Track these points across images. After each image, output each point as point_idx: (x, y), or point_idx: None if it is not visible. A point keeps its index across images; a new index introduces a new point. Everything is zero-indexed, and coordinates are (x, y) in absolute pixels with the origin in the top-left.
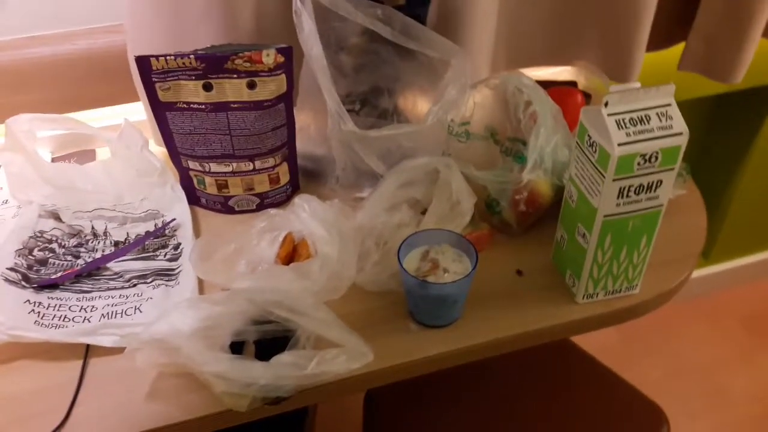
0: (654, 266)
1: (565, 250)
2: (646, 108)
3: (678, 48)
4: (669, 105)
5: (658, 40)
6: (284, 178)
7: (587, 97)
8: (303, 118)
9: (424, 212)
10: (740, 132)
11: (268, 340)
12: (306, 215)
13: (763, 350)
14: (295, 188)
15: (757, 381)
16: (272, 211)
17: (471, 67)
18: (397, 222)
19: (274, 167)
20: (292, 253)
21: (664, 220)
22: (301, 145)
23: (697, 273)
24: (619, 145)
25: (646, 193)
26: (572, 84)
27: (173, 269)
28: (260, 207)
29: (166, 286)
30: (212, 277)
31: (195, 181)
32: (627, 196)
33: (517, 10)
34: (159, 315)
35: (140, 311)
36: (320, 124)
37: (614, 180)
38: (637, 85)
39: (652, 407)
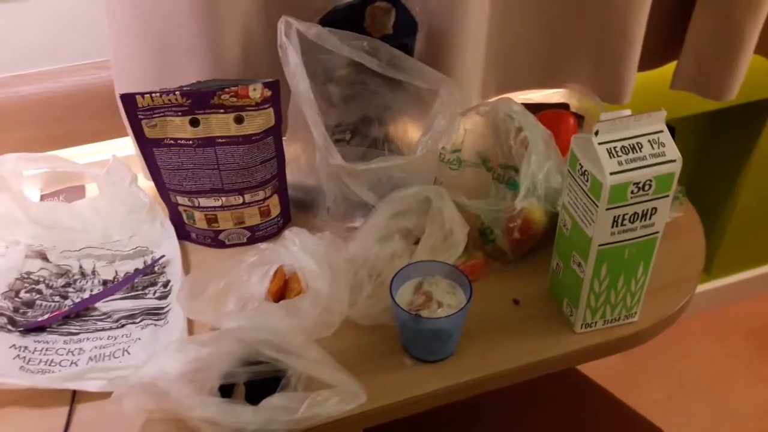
0: (653, 292)
1: (561, 278)
2: (638, 135)
3: (671, 66)
4: (661, 132)
5: (650, 60)
6: (275, 211)
7: (580, 119)
8: (293, 150)
9: (417, 242)
10: (738, 146)
11: (258, 382)
12: (296, 249)
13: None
14: (286, 220)
15: (764, 396)
16: (262, 245)
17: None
18: (389, 253)
19: (264, 200)
20: (283, 288)
21: (662, 243)
22: (292, 176)
23: (699, 288)
24: (611, 173)
25: (641, 220)
26: (564, 106)
27: (162, 308)
28: (251, 240)
29: (155, 325)
30: (201, 317)
31: (184, 216)
32: (622, 224)
33: (506, 35)
34: (147, 358)
35: (128, 353)
36: (310, 155)
37: (608, 209)
38: (628, 112)
39: (653, 430)
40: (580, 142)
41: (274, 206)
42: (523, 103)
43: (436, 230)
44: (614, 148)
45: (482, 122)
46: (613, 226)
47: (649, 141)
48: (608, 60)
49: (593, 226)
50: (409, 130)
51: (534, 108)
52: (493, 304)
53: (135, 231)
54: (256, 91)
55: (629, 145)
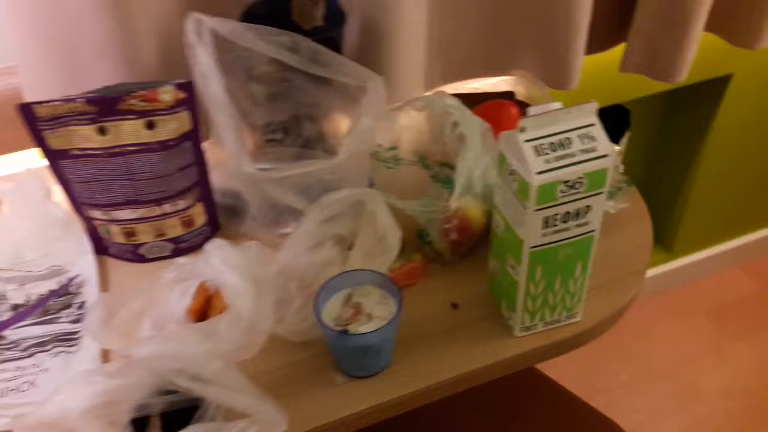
0: (597, 288)
1: (498, 280)
2: (567, 130)
3: (621, 48)
4: (592, 125)
5: (598, 43)
6: (200, 220)
7: (525, 108)
8: (218, 153)
9: (351, 248)
10: (695, 124)
11: (174, 412)
12: (218, 262)
13: (732, 342)
14: (215, 228)
15: (727, 376)
16: (181, 259)
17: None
18: (321, 261)
19: (186, 209)
20: (205, 305)
21: (607, 236)
22: (219, 181)
23: (660, 268)
24: (537, 173)
25: (574, 220)
26: (510, 95)
27: (75, 332)
28: (176, 252)
29: (67, 353)
30: (112, 344)
31: (101, 230)
32: (553, 225)
33: (448, 22)
34: (51, 392)
35: (34, 386)
36: None
37: (536, 210)
38: (558, 105)
39: (607, 425)
40: (507, 140)
41: (199, 215)
42: (468, 93)
43: (369, 235)
44: (541, 145)
45: (419, 117)
46: (544, 227)
47: (578, 136)
48: (553, 46)
49: (524, 227)
50: (343, 127)
51: (479, 97)
52: (431, 310)
53: (49, 249)
54: (167, 94)
55: (557, 141)
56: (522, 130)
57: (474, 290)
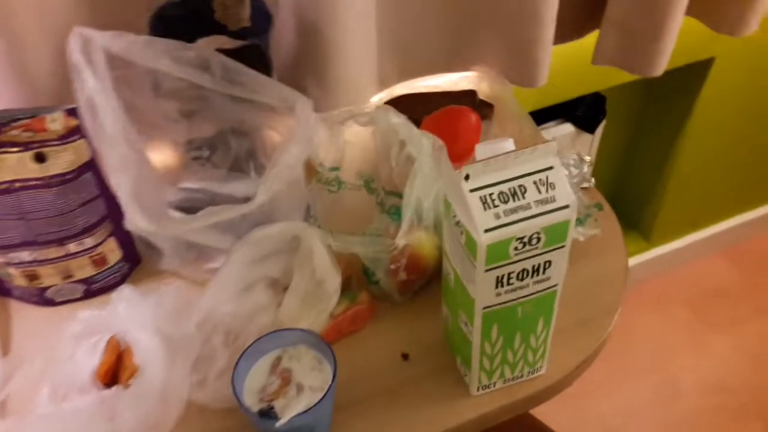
0: (563, 332)
1: (451, 332)
2: (520, 176)
3: (594, 36)
4: (550, 169)
5: (568, 31)
6: (113, 257)
7: (488, 109)
8: None
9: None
10: (675, 110)
11: None
12: (125, 315)
13: (712, 334)
14: (134, 264)
15: (707, 371)
16: (85, 313)
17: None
18: (250, 309)
19: (95, 247)
20: (116, 364)
21: (575, 268)
22: None
23: (639, 258)
24: (486, 231)
25: (532, 276)
26: (471, 94)
27: None
28: (89, 294)
29: None
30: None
31: (0, 272)
32: (508, 284)
33: (401, 15)
34: None
35: None
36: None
37: (487, 270)
38: (509, 144)
39: None
40: (451, 184)
41: (112, 252)
42: (425, 93)
43: (306, 277)
44: (490, 195)
45: (365, 133)
46: (497, 287)
47: (535, 183)
48: (518, 39)
49: (474, 286)
50: (277, 140)
51: (437, 97)
52: (378, 362)
53: None
54: (56, 122)
55: (509, 190)
56: (466, 177)
57: (427, 335)
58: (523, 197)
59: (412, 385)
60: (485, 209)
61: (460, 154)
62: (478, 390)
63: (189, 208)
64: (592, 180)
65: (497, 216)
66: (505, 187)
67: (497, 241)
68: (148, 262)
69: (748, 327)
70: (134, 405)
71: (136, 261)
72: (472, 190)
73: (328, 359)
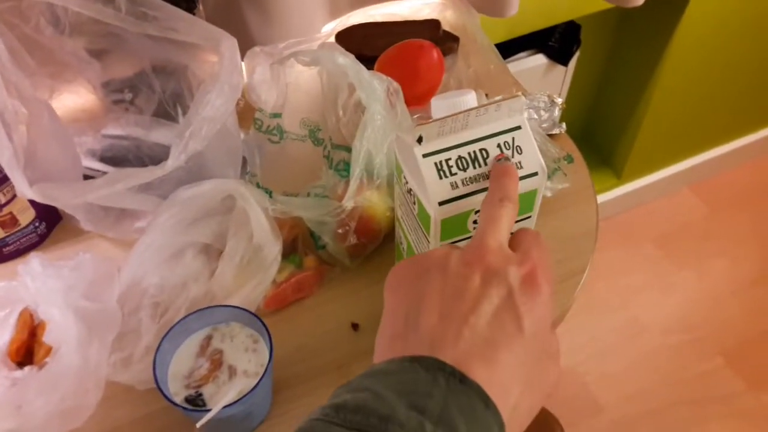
0: None
1: None
2: (482, 138)
3: None
4: (517, 129)
5: None
6: (25, 217)
7: (453, 42)
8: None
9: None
10: (650, 43)
11: None
12: (34, 287)
13: (678, 271)
14: (52, 223)
15: (671, 309)
16: None
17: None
18: (179, 279)
19: (1, 207)
20: (30, 340)
21: (543, 225)
22: None
23: (609, 194)
24: (440, 203)
25: None
26: (435, 24)
27: None
28: (2, 258)
29: None
30: None
31: None
32: None
33: None
34: None
35: None
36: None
37: (442, 244)
38: (470, 96)
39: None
40: (402, 146)
41: (22, 212)
42: (384, 22)
43: (242, 244)
44: (446, 161)
45: (310, 74)
46: None
47: (499, 146)
48: None
49: None
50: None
51: (398, 27)
52: (326, 333)
53: None
54: None
55: (469, 155)
56: (419, 140)
57: (379, 304)
58: (485, 163)
59: (364, 358)
60: (440, 177)
61: (419, 96)
62: None
63: (114, 157)
64: (563, 125)
65: (454, 186)
66: (464, 151)
67: (453, 215)
68: (70, 219)
69: (712, 263)
70: (46, 390)
71: (55, 219)
72: (425, 155)
73: (265, 339)
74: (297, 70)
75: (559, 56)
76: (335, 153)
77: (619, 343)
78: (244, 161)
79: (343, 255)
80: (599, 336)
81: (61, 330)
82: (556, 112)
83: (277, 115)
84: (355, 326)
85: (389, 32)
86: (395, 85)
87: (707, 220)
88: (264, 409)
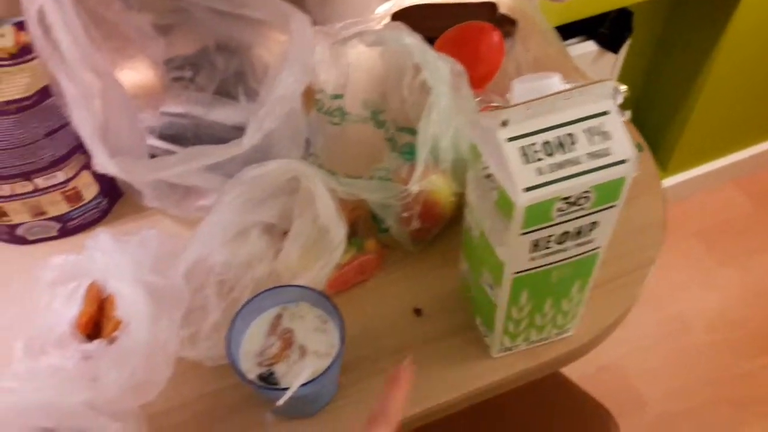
0: (594, 288)
1: (471, 290)
2: (569, 122)
3: None
4: (605, 114)
5: None
6: (89, 192)
7: (510, 26)
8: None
9: (285, 236)
10: (703, 32)
11: None
12: (103, 262)
13: (721, 267)
14: (114, 198)
15: (714, 305)
16: (59, 258)
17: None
18: (244, 258)
19: (67, 182)
20: (97, 315)
21: None
22: None
23: None
24: (526, 190)
25: (574, 239)
26: (491, 7)
27: None
28: (64, 232)
29: None
30: None
31: None
32: (546, 247)
33: None
34: None
35: None
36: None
37: (523, 234)
38: (555, 80)
39: (601, 413)
40: (482, 129)
41: (87, 187)
42: (440, 3)
43: (307, 225)
44: (532, 146)
45: (372, 54)
46: (532, 251)
47: (586, 131)
48: None
49: (505, 249)
50: (270, 61)
51: (453, 9)
52: (389, 316)
53: None
54: (5, 38)
55: (555, 140)
56: (504, 123)
57: (441, 289)
58: (572, 149)
59: (425, 343)
60: (526, 163)
61: (478, 79)
62: (499, 352)
63: (173, 135)
64: (627, 114)
65: (540, 171)
66: (550, 136)
67: (538, 202)
68: (131, 196)
69: (757, 259)
70: (119, 364)
71: (116, 195)
72: (510, 139)
73: (335, 321)
74: (359, 51)
75: (610, 43)
76: (400, 135)
77: (662, 338)
78: (307, 143)
79: (406, 239)
80: (642, 330)
81: (131, 305)
82: (620, 100)
83: (338, 96)
84: (417, 311)
85: (445, 14)
86: (459, 66)
87: (752, 216)
88: (332, 391)
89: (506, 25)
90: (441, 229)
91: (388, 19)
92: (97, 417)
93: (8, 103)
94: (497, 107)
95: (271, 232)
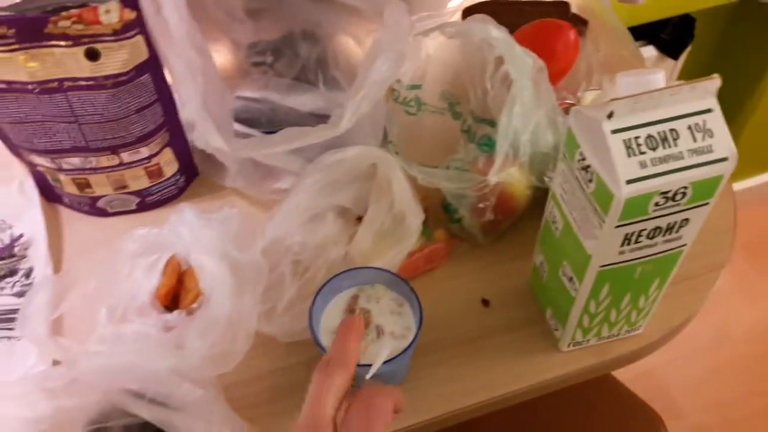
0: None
1: (545, 283)
2: (673, 118)
3: None
4: (709, 112)
5: None
6: (170, 169)
7: (581, 26)
8: None
9: (361, 220)
10: (764, 41)
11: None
12: (188, 236)
13: (764, 281)
14: (190, 177)
15: (759, 318)
16: (142, 230)
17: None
18: (320, 240)
19: (150, 158)
20: (176, 286)
21: None
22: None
23: None
24: (628, 182)
25: (664, 235)
26: (564, 6)
27: (19, 311)
28: (143, 207)
29: (9, 338)
30: (57, 353)
31: (49, 178)
32: (636, 242)
33: None
34: None
35: None
36: (212, 80)
37: (618, 226)
38: (659, 76)
39: (652, 417)
40: (582, 120)
41: (168, 163)
42: (515, 0)
43: (383, 211)
44: (635, 139)
45: (449, 45)
46: (623, 245)
47: (690, 127)
48: None
49: (595, 242)
50: (351, 51)
51: (525, 7)
52: (456, 306)
53: None
54: (111, 14)
55: (659, 134)
56: (610, 115)
57: (510, 281)
58: (675, 144)
59: (492, 334)
60: (629, 156)
61: (553, 75)
62: (568, 346)
63: (247, 119)
64: None
65: (643, 165)
66: (654, 131)
67: (638, 195)
68: (206, 177)
69: None
70: (202, 334)
71: (193, 174)
72: (614, 131)
73: (412, 303)
74: (438, 42)
75: (671, 49)
76: (478, 127)
77: (702, 349)
78: (384, 132)
79: (477, 230)
80: (682, 340)
81: (214, 278)
82: None
83: (415, 87)
84: (485, 302)
85: (518, 11)
86: (541, 62)
87: None
88: (403, 375)
89: (578, 24)
90: (512, 222)
91: (459, 14)
92: (182, 383)
93: (106, 77)
94: (570, 104)
95: (345, 216)
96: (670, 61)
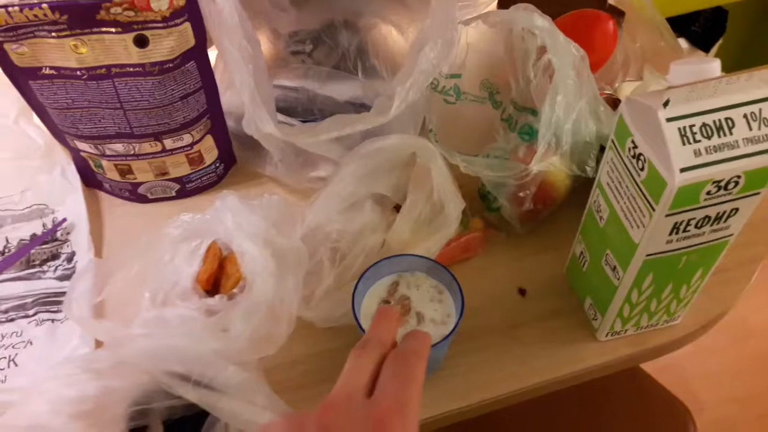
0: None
1: (585, 272)
2: (729, 107)
3: None
4: (766, 101)
5: None
6: (210, 156)
7: (619, 15)
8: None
9: (397, 208)
10: None
11: (180, 420)
12: (231, 223)
13: None
14: (229, 164)
15: None
16: (186, 216)
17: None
18: (358, 228)
19: (192, 145)
20: (217, 272)
21: None
22: (233, 106)
23: None
24: (682, 170)
25: (712, 224)
26: None
27: (62, 294)
28: (182, 194)
29: (53, 321)
30: (101, 334)
31: (91, 163)
32: (684, 231)
33: None
34: (25, 393)
35: (15, 364)
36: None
37: (669, 215)
38: (715, 64)
39: (680, 410)
40: (635, 109)
41: (208, 151)
42: None
43: (422, 199)
44: (690, 127)
45: (490, 35)
46: (672, 234)
47: (745, 116)
48: None
49: (643, 230)
50: (392, 40)
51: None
52: (493, 294)
53: (29, 183)
54: (161, 1)
55: (714, 123)
56: (666, 103)
57: (546, 271)
58: (730, 133)
59: (529, 323)
60: (684, 144)
61: (592, 66)
62: (606, 336)
63: (286, 108)
64: None
65: (697, 153)
66: (709, 119)
67: (691, 183)
68: (244, 165)
69: None
70: (245, 318)
71: (231, 161)
72: (669, 119)
73: (452, 291)
74: (479, 31)
75: (702, 42)
76: (519, 116)
77: (725, 343)
78: (423, 121)
79: (515, 219)
80: (709, 339)
81: (257, 263)
82: None
83: (455, 76)
84: (522, 291)
85: (555, 1)
86: (583, 52)
87: None
88: (440, 361)
89: (615, 14)
90: (550, 212)
91: (494, 4)
92: (227, 366)
93: (153, 64)
94: (608, 95)
95: (382, 204)
96: (701, 54)
